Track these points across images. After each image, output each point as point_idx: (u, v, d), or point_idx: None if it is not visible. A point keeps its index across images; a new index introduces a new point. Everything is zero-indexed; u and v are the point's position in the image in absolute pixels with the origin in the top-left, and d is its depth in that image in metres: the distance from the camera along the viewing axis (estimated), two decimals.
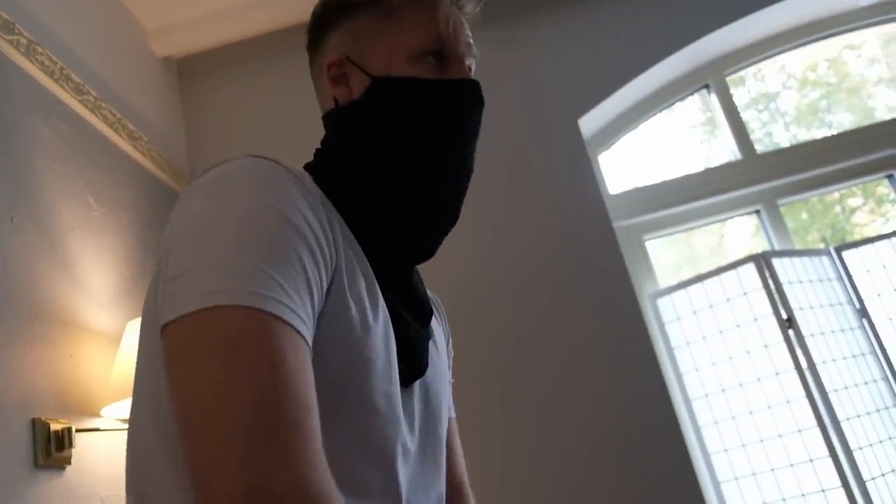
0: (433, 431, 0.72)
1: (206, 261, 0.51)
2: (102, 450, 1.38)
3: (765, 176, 2.15)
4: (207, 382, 0.47)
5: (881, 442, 1.75)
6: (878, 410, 1.79)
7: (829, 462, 1.67)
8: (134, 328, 1.42)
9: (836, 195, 2.29)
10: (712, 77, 2.30)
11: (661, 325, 1.98)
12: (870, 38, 2.38)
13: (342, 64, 0.71)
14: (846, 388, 1.77)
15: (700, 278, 1.93)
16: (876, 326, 1.89)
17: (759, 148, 2.23)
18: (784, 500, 1.72)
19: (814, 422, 1.70)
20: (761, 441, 1.77)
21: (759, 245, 2.19)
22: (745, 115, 2.28)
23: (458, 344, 0.95)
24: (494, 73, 1.93)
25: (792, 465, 1.72)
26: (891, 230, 1.99)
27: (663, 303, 2.00)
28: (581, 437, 1.76)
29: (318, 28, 0.76)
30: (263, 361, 0.47)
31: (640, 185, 2.20)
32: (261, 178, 0.57)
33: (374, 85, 0.69)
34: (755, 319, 1.83)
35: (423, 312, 0.73)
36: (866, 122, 2.24)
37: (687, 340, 1.93)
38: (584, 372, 1.82)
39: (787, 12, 2.21)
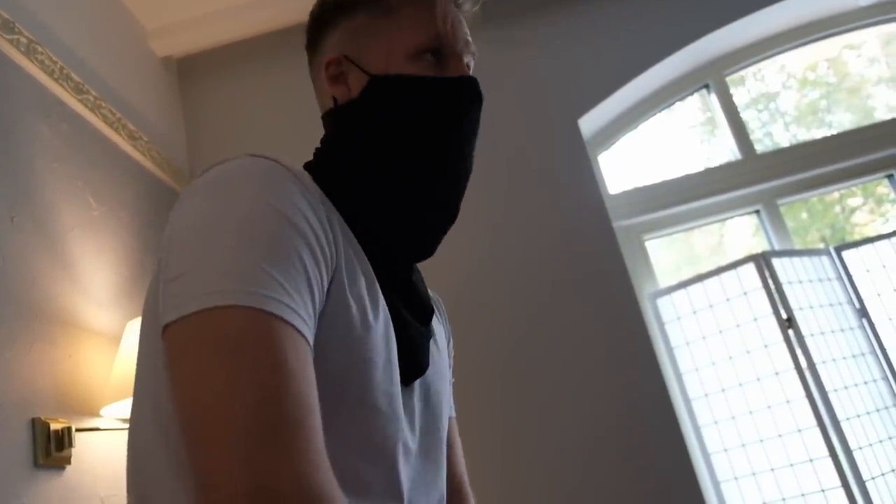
0: (434, 430, 0.71)
1: (206, 261, 0.51)
2: (102, 449, 1.38)
3: (764, 176, 2.16)
4: (209, 383, 0.47)
5: (881, 442, 1.75)
6: (877, 410, 1.79)
7: (829, 462, 1.67)
8: (134, 328, 1.42)
9: (836, 195, 2.29)
10: (712, 77, 2.30)
11: (661, 325, 1.98)
12: (870, 38, 2.38)
13: (340, 63, 0.71)
14: (846, 387, 1.77)
15: (700, 278, 1.93)
16: (876, 326, 1.89)
17: (759, 148, 2.23)
18: (784, 499, 1.72)
19: (813, 422, 1.70)
20: (761, 441, 1.77)
21: (759, 245, 2.19)
22: (745, 115, 2.28)
23: (457, 344, 0.95)
24: (494, 73, 1.93)
25: (792, 465, 1.72)
26: (891, 230, 1.99)
27: (663, 303, 2.00)
28: (581, 437, 1.76)
29: (317, 28, 0.76)
30: (265, 362, 0.47)
31: (640, 185, 2.20)
32: (260, 177, 0.56)
33: (372, 83, 0.69)
34: (755, 319, 1.83)
35: (423, 311, 0.73)
36: (866, 122, 2.24)
37: (687, 340, 1.93)
38: (583, 372, 1.82)
39: (786, 12, 2.21)
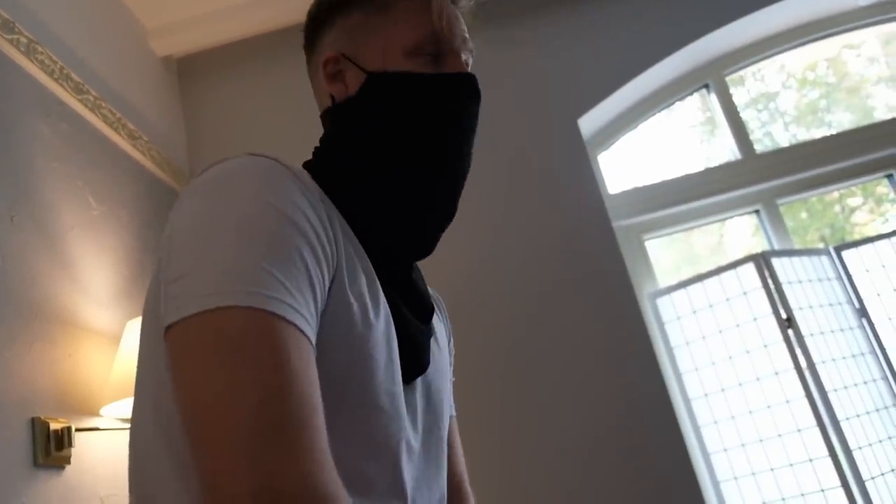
0: (435, 429, 0.71)
1: (206, 261, 0.51)
2: (102, 449, 1.38)
3: (764, 176, 2.16)
4: (211, 384, 0.47)
5: (880, 441, 1.75)
6: (877, 410, 1.80)
7: (829, 462, 1.67)
8: (134, 328, 1.42)
9: (836, 195, 2.29)
10: (712, 77, 2.30)
11: (661, 325, 1.98)
12: (869, 38, 2.38)
13: (338, 61, 0.71)
14: (846, 387, 1.77)
15: (700, 278, 1.93)
16: (875, 326, 1.89)
17: (759, 148, 2.23)
18: (783, 499, 1.72)
19: (813, 421, 1.70)
20: (761, 441, 1.77)
21: (759, 245, 2.19)
22: (745, 115, 2.28)
23: (457, 343, 0.95)
24: (494, 72, 1.93)
25: (791, 465, 1.72)
26: (890, 230, 1.99)
27: (663, 302, 2.00)
28: (581, 437, 1.76)
29: (314, 27, 0.76)
30: (267, 362, 0.47)
31: (640, 184, 2.20)
32: (260, 176, 0.56)
33: (369, 80, 0.68)
34: (755, 319, 1.83)
35: (424, 309, 0.73)
36: (866, 122, 2.24)
37: (686, 340, 1.93)
38: (583, 372, 1.82)
39: (786, 12, 2.21)
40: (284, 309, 0.50)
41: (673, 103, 2.33)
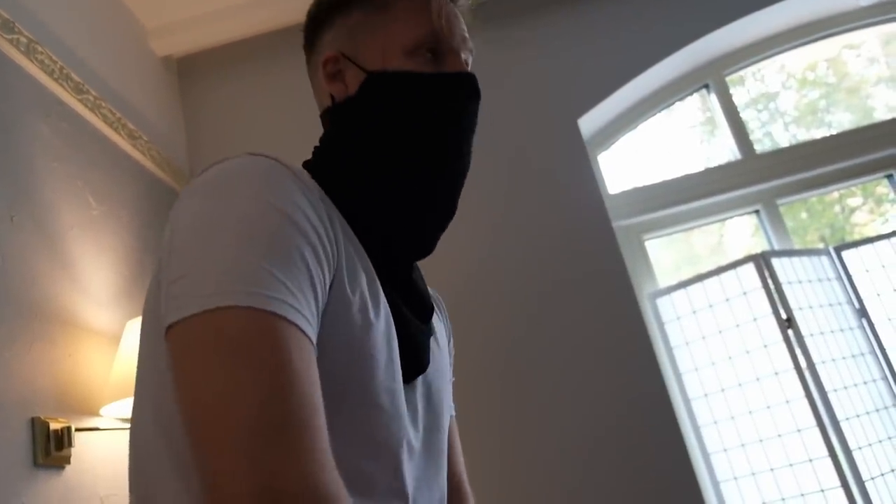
0: (436, 429, 0.71)
1: (206, 261, 0.51)
2: (102, 449, 1.38)
3: (764, 176, 2.16)
4: (212, 384, 0.47)
5: (880, 442, 1.75)
6: (877, 410, 1.80)
7: (829, 462, 1.67)
8: (134, 327, 1.42)
9: (836, 195, 2.29)
10: (712, 77, 2.30)
11: (661, 325, 1.98)
12: (869, 38, 2.38)
13: (337, 60, 0.71)
14: (845, 387, 1.77)
15: (699, 278, 1.93)
16: (875, 326, 1.89)
17: (759, 148, 2.23)
18: (783, 499, 1.72)
19: (813, 422, 1.70)
20: (760, 441, 1.77)
21: (759, 245, 2.19)
22: (745, 115, 2.28)
23: (457, 343, 0.95)
24: (494, 72, 1.94)
25: (791, 465, 1.72)
26: (890, 230, 1.99)
27: (663, 302, 2.00)
28: (581, 437, 1.76)
29: (313, 27, 0.76)
30: (268, 362, 0.47)
31: (640, 184, 2.20)
32: (260, 176, 0.56)
33: (368, 80, 0.68)
34: (754, 319, 1.83)
35: (424, 309, 0.73)
36: (865, 122, 2.24)
37: (686, 340, 1.93)
38: (583, 372, 1.82)
39: (786, 12, 2.21)
40: (285, 309, 0.50)
41: (673, 103, 2.33)
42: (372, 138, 0.68)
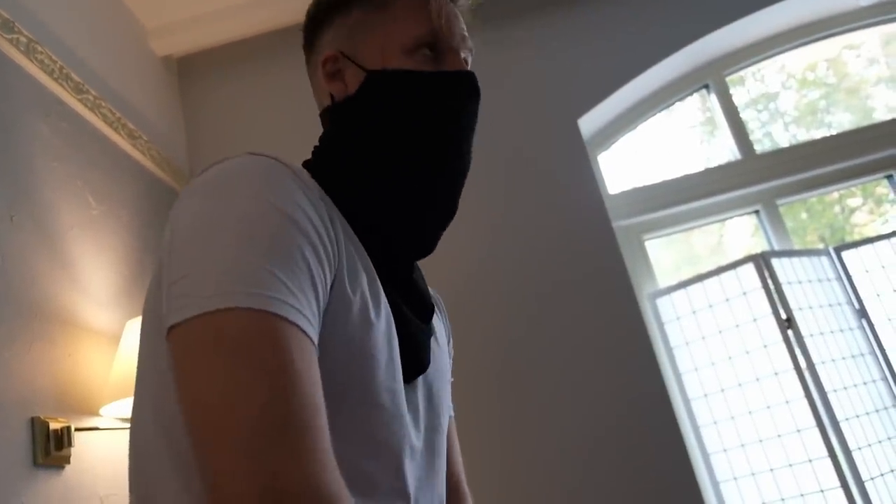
0: (436, 428, 0.71)
1: (207, 262, 0.51)
2: (101, 449, 1.38)
3: (764, 176, 2.16)
4: (214, 385, 0.46)
5: (880, 442, 1.75)
6: (877, 411, 1.80)
7: (828, 462, 1.67)
8: (134, 327, 1.42)
9: (836, 195, 2.29)
10: (712, 77, 2.30)
11: (661, 325, 1.98)
12: (869, 38, 2.38)
13: (337, 59, 0.71)
14: (845, 388, 1.77)
15: (699, 278, 1.93)
16: (875, 326, 1.89)
17: (759, 148, 2.23)
18: (783, 500, 1.72)
19: (813, 422, 1.70)
20: (760, 441, 1.77)
21: (759, 245, 2.19)
22: (745, 115, 2.28)
23: (457, 343, 0.95)
24: (493, 73, 1.94)
25: (791, 466, 1.72)
26: (890, 230, 1.99)
27: (663, 303, 2.00)
28: (581, 437, 1.76)
29: (313, 26, 0.76)
30: (270, 363, 0.47)
31: (640, 185, 2.20)
32: (260, 175, 0.56)
33: (368, 79, 0.68)
34: (754, 319, 1.83)
35: (424, 309, 0.73)
36: (865, 123, 2.24)
37: (686, 340, 1.93)
38: (583, 372, 1.82)
39: (786, 12, 2.21)
40: (286, 310, 0.49)
41: (673, 103, 2.33)
42: (372, 137, 0.68)
